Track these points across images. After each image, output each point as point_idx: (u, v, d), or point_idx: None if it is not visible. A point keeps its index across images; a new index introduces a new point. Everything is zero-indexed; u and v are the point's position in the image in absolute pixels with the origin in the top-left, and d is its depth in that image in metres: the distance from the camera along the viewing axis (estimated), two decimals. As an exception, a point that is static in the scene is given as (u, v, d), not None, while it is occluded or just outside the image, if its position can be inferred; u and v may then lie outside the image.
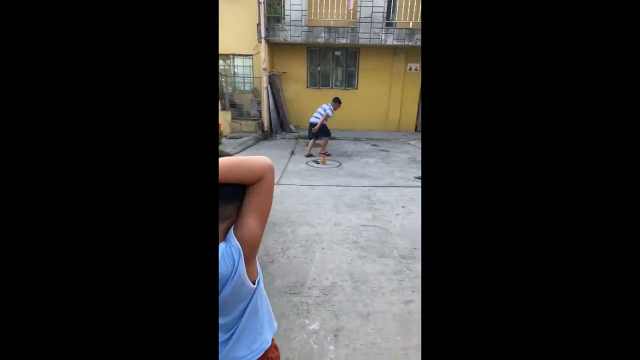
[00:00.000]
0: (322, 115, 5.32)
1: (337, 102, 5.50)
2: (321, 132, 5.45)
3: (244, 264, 0.65)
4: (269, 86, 7.07)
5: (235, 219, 0.67)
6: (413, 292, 2.00)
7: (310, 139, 5.51)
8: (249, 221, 0.65)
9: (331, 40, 7.08)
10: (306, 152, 5.51)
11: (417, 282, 2.09)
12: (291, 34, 6.97)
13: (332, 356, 1.53)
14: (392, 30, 6.95)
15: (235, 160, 0.63)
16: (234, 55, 7.74)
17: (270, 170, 0.66)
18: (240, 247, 0.64)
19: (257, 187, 0.65)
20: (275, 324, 0.81)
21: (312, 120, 5.42)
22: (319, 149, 5.58)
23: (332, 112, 5.42)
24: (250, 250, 0.67)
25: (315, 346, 1.59)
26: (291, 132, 7.43)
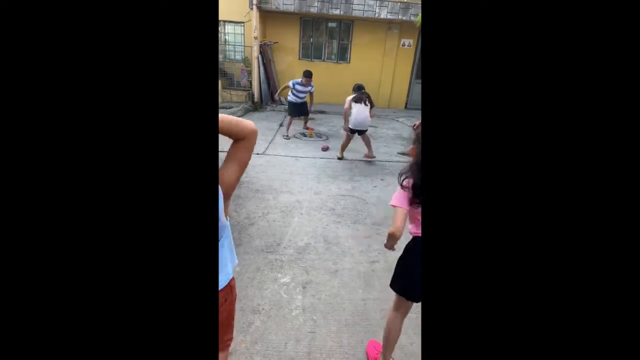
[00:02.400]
0: (302, 93, 4.97)
1: (307, 76, 4.89)
2: (299, 112, 5.12)
3: (222, 201, 0.79)
4: (260, 56, 6.94)
5: None
6: (379, 253, 2.18)
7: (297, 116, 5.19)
8: (231, 169, 0.81)
9: (324, 11, 6.90)
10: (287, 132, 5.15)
11: (385, 246, 2.27)
12: (284, 1, 6.77)
13: (299, 304, 1.71)
14: (387, 3, 6.80)
15: (229, 117, 0.78)
16: (224, 21, 7.51)
17: (255, 133, 0.83)
18: (220, 187, 0.78)
19: (242, 143, 0.82)
20: (236, 259, 0.95)
21: (294, 99, 5.01)
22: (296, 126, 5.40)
23: (304, 87, 4.96)
24: (228, 191, 0.82)
25: (285, 296, 1.76)
26: (282, 104, 7.39)
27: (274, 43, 7.57)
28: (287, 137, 4.96)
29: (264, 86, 7.24)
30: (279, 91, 5.59)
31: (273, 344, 1.46)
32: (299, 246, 2.21)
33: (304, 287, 1.83)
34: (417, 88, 8.09)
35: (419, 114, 7.53)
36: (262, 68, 7.09)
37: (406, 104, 8.33)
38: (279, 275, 1.92)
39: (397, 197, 1.14)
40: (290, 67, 7.88)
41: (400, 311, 1.27)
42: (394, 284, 1.27)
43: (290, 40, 7.73)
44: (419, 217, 1.14)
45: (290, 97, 5.02)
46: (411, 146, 1.16)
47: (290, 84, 4.99)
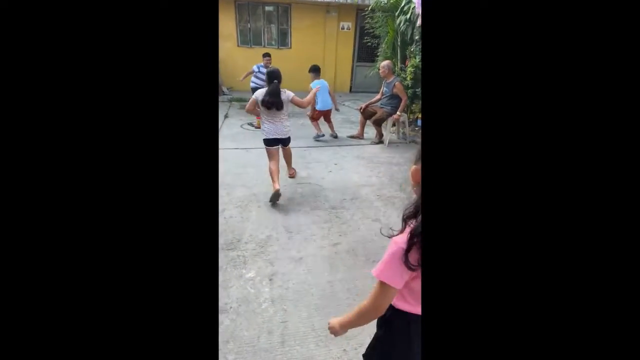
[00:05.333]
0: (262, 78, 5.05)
1: (266, 56, 5.24)
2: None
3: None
4: (195, 44, 6.51)
5: None
6: (340, 235, 2.25)
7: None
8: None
9: (260, -6, 6.65)
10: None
11: (344, 228, 2.35)
12: (215, -16, 6.37)
13: (267, 296, 1.71)
14: (323, -15, 6.76)
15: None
16: (150, 6, 6.85)
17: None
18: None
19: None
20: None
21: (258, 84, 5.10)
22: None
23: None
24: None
25: (252, 290, 1.74)
26: (224, 94, 7.07)
27: (209, 29, 7.14)
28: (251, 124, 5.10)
29: (203, 76, 6.84)
30: (243, 76, 5.42)
31: (245, 339, 1.45)
32: (260, 239, 2.19)
33: (270, 279, 1.83)
34: (360, 71, 8.26)
35: (363, 97, 7.73)
36: (199, 57, 6.67)
37: (350, 87, 8.48)
38: (243, 271, 1.89)
39: (391, 267, 0.71)
40: (230, 54, 7.52)
41: None
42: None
43: (226, 26, 7.34)
44: (415, 286, 0.75)
45: (253, 83, 5.07)
46: (413, 166, 0.73)
47: (255, 67, 5.08)
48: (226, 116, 5.57)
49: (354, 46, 8.10)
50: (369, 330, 1.50)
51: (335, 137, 4.55)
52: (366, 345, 1.33)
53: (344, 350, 1.41)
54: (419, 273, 0.70)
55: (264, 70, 5.04)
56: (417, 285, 0.73)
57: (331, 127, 4.58)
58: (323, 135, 4.48)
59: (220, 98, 6.85)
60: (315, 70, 4.56)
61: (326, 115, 4.52)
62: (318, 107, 4.40)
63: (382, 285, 0.73)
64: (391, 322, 0.83)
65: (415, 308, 0.77)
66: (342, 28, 7.80)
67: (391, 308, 0.79)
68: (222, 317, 1.55)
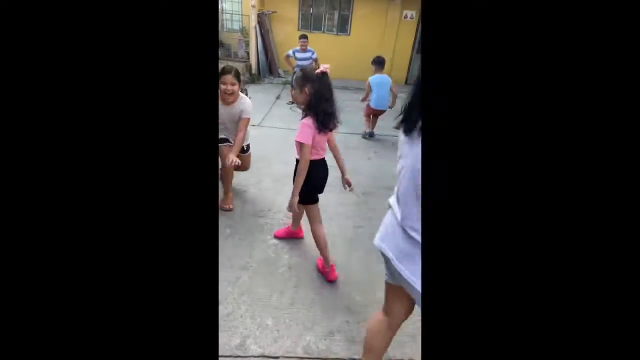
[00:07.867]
0: (304, 61, 4.99)
1: (302, 38, 5.01)
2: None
3: None
4: (257, 25, 6.77)
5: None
6: (365, 220, 2.28)
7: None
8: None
9: (325, -22, 6.66)
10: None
11: (371, 213, 2.36)
12: (283, -33, 6.51)
13: (286, 262, 1.82)
14: (391, -29, 6.55)
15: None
16: (221, -12, 7.24)
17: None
18: None
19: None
20: None
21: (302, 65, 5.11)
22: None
23: (303, 54, 4.97)
24: None
25: (273, 255, 1.87)
26: (279, 77, 7.30)
27: (273, 12, 7.35)
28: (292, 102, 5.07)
29: (262, 57, 7.11)
30: (292, 68, 5.26)
31: (259, 295, 1.57)
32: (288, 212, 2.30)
33: (290, 248, 1.94)
34: (418, 63, 7.92)
35: (418, 89, 7.44)
36: (259, 38, 6.93)
37: (406, 79, 8.20)
38: (268, 237, 2.02)
39: (305, 135, 1.47)
40: (289, 37, 7.68)
41: (316, 221, 1.77)
42: (304, 199, 1.69)
43: (289, 10, 7.50)
44: (319, 146, 1.57)
45: (296, 67, 5.11)
46: (294, 90, 1.58)
47: (290, 52, 5.03)
48: (278, 97, 5.77)
49: (416, 37, 7.78)
50: (371, 309, 1.53)
51: (371, 135, 4.17)
52: (368, 319, 1.38)
53: (347, 321, 1.47)
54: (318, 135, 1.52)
55: (300, 55, 4.91)
56: (315, 142, 1.53)
57: (373, 124, 4.17)
58: (372, 135, 4.18)
59: (275, 80, 7.09)
60: (379, 63, 3.97)
61: (377, 114, 4.09)
62: (372, 104, 3.97)
63: (302, 145, 1.49)
64: (309, 169, 1.57)
65: (314, 157, 1.59)
66: (405, 17, 7.52)
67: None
68: (241, 273, 1.70)
